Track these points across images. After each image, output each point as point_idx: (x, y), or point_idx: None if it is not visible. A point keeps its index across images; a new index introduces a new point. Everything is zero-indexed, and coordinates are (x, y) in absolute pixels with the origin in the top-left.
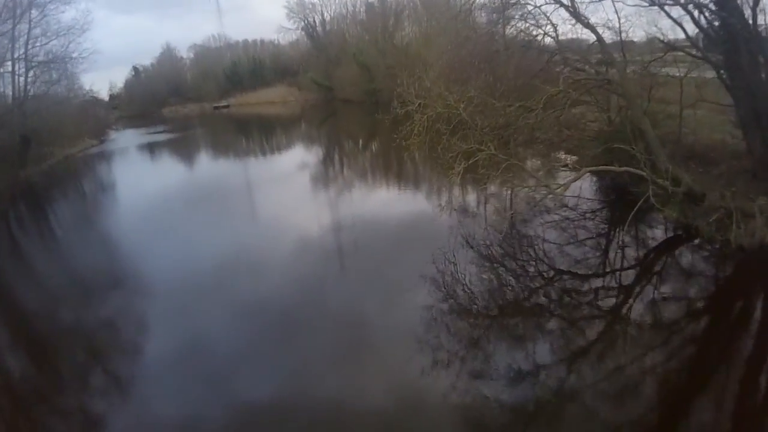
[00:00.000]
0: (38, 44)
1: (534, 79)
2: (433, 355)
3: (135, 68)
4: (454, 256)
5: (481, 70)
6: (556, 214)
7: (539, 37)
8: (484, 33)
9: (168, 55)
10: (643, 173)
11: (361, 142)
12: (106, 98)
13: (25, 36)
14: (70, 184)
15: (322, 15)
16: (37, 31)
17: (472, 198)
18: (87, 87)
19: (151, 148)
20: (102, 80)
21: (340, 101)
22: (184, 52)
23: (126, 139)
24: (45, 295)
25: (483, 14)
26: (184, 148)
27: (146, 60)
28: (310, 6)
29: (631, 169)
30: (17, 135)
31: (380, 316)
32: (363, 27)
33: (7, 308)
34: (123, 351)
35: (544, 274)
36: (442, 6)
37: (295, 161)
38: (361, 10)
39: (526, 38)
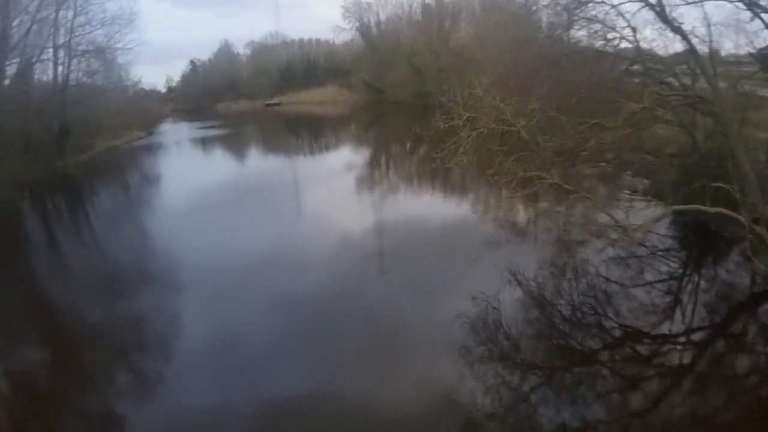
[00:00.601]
0: (81, 33)
1: (609, 91)
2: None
3: (192, 62)
4: (498, 288)
5: (544, 77)
6: (621, 246)
7: (615, 42)
8: (549, 34)
9: (225, 51)
10: (741, 218)
11: (408, 145)
12: (163, 90)
13: (69, 24)
14: (107, 175)
15: (378, 15)
16: (81, 19)
17: (521, 211)
18: (136, 78)
19: (199, 142)
20: (160, 72)
21: (390, 103)
22: (241, 49)
23: (175, 133)
24: (73, 287)
25: (547, 13)
26: (232, 144)
27: (204, 55)
28: (366, 6)
29: (727, 212)
30: (56, 124)
31: (415, 333)
32: (418, 28)
33: (45, 299)
34: (159, 342)
35: (602, 319)
36: (502, 6)
37: (341, 161)
38: (417, 11)
39: (600, 43)
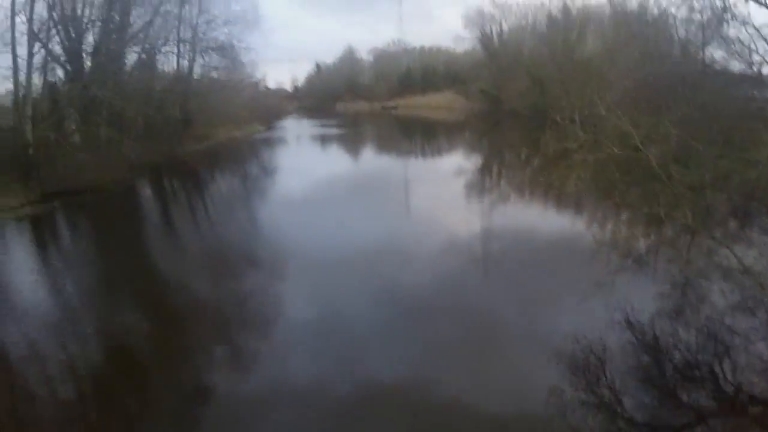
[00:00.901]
0: (205, 30)
1: (753, 120)
2: None
3: (318, 64)
4: (606, 325)
5: (679, 98)
6: (751, 294)
7: (759, 65)
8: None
9: (349, 56)
10: None
11: (523, 157)
12: (289, 89)
13: (193, 20)
14: (224, 163)
15: (500, 26)
16: (205, 16)
17: (641, 238)
18: (260, 76)
19: (316, 138)
20: (287, 71)
21: (506, 113)
22: (364, 54)
23: (295, 128)
24: (181, 265)
25: (684, 29)
26: (347, 142)
27: (329, 58)
28: (489, 16)
29: None
30: (178, 114)
31: (514, 343)
32: (541, 39)
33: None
34: (262, 321)
35: (718, 375)
36: (633, 19)
37: (452, 166)
38: (542, 22)
39: (741, 65)
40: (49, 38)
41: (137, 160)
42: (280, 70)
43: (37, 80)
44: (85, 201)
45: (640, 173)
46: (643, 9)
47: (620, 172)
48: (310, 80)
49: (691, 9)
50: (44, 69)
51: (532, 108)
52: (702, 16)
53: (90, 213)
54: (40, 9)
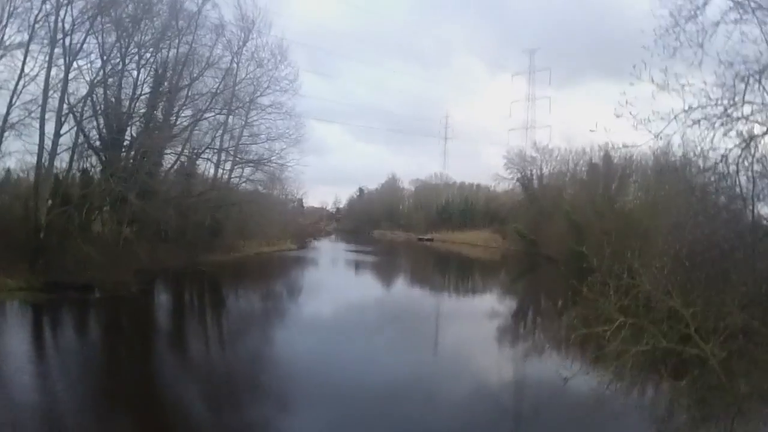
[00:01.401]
0: (247, 141)
1: None
2: None
3: (360, 189)
4: None
5: (743, 269)
6: None
7: None
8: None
9: (391, 183)
10: None
11: (559, 305)
12: (331, 209)
13: (236, 130)
14: (243, 278)
15: (541, 169)
16: (250, 129)
17: None
18: (299, 194)
19: (348, 263)
20: (333, 193)
21: (543, 257)
22: (406, 184)
23: (328, 250)
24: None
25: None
26: (379, 271)
27: (372, 184)
28: (530, 159)
29: None
30: (208, 221)
31: None
32: (581, 186)
33: None
34: None
35: None
36: (677, 174)
37: (484, 308)
38: (583, 169)
39: None
40: (82, 118)
41: (151, 264)
42: (325, 190)
43: (62, 163)
44: (83, 299)
45: (694, 369)
46: (686, 161)
47: (668, 368)
48: (352, 203)
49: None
50: (74, 151)
51: (570, 254)
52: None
53: (80, 314)
54: (75, 88)
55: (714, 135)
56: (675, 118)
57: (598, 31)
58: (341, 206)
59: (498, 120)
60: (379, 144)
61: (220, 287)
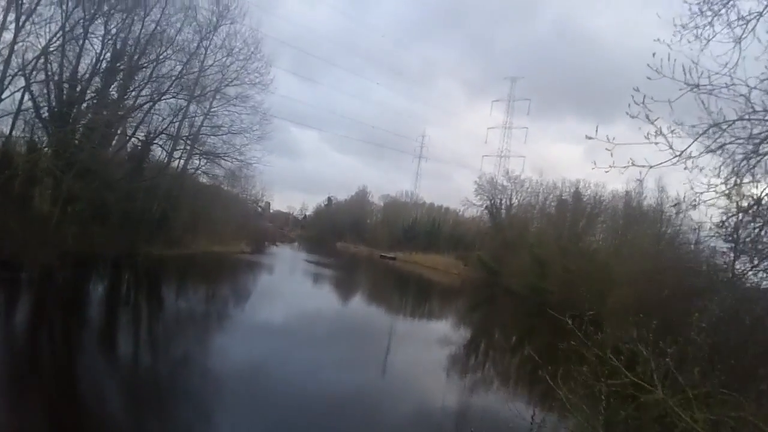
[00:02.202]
0: (205, 134)
1: None
2: None
3: (329, 198)
4: None
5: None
6: None
7: None
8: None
9: (361, 197)
10: None
11: (513, 340)
12: (300, 216)
13: (198, 119)
14: (182, 275)
15: (510, 199)
16: (212, 121)
17: None
18: (264, 196)
19: (297, 274)
20: (300, 200)
21: (503, 289)
22: (376, 199)
23: (283, 258)
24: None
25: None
26: (336, 286)
27: (342, 194)
28: (501, 188)
29: None
30: (155, 210)
31: None
32: (549, 220)
33: None
34: None
35: None
36: (645, 220)
37: (439, 333)
38: (552, 204)
39: None
40: (29, 83)
41: (80, 248)
42: (295, 196)
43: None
44: None
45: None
46: (658, 208)
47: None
48: (319, 212)
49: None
50: (17, 117)
51: (531, 289)
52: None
53: None
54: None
55: None
56: (650, 167)
57: (579, 69)
58: (308, 213)
59: (473, 145)
60: (354, 155)
61: (149, 281)
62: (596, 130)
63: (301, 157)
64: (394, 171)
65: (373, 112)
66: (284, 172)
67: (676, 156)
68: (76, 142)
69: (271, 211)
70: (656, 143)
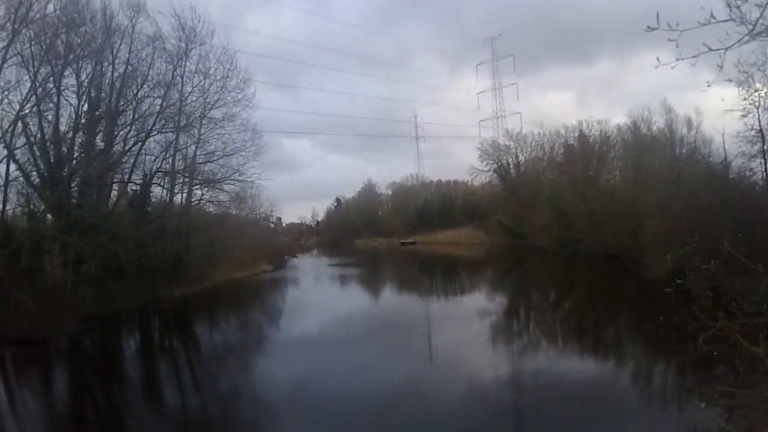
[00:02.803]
0: (201, 160)
1: None
2: None
3: (338, 199)
4: None
5: None
6: None
7: None
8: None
9: (368, 190)
10: None
11: (552, 297)
12: (312, 223)
13: (188, 150)
14: (210, 310)
15: (516, 157)
16: (204, 148)
17: None
18: (269, 211)
19: (326, 279)
20: (310, 208)
21: (530, 249)
22: (383, 189)
23: (306, 268)
24: None
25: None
26: (364, 282)
27: (349, 193)
28: (504, 148)
29: None
30: (167, 252)
31: None
32: (560, 170)
33: None
34: None
35: None
36: (657, 146)
37: (475, 307)
38: (560, 152)
39: None
40: (12, 150)
41: (98, 307)
42: (303, 206)
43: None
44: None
45: None
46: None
47: None
48: (330, 216)
49: None
50: (6, 187)
51: (559, 243)
52: None
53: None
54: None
55: None
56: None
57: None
58: (320, 219)
59: (467, 114)
60: (351, 153)
61: (179, 323)
62: (657, 18)
63: (300, 167)
64: (394, 159)
65: (360, 105)
66: (287, 186)
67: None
68: (74, 201)
69: (284, 225)
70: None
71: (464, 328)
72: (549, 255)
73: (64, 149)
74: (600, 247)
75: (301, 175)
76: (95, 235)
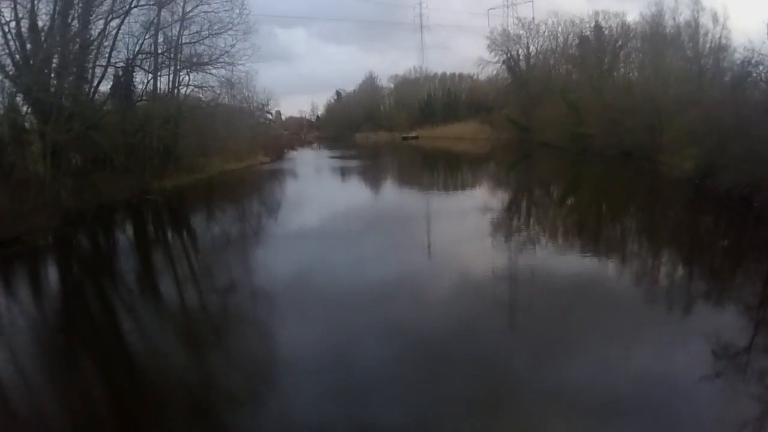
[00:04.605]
0: (188, 42)
1: None
2: None
3: (338, 92)
4: None
5: None
6: None
7: None
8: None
9: (369, 83)
10: None
11: (555, 193)
12: (312, 117)
13: (172, 33)
14: (202, 201)
15: (528, 48)
16: (190, 29)
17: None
18: (273, 104)
19: (325, 171)
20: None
21: (537, 144)
22: (385, 82)
23: (304, 161)
24: None
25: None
26: (362, 177)
27: (350, 86)
28: (516, 38)
29: None
30: (156, 141)
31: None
32: (573, 63)
33: None
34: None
35: None
36: (680, 40)
37: (476, 203)
38: (573, 44)
39: None
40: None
41: (79, 203)
42: (303, 99)
43: None
44: None
45: None
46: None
47: None
48: (330, 109)
49: None
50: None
51: (569, 138)
52: None
53: None
54: None
55: None
56: None
57: None
58: (320, 113)
59: (471, 4)
60: (350, 44)
61: (172, 215)
62: None
63: (297, 58)
64: (396, 51)
65: None
66: (284, 79)
67: None
68: (52, 90)
69: (283, 119)
70: None
71: (464, 223)
72: (558, 151)
73: (43, 36)
74: (615, 144)
75: (298, 67)
76: (73, 123)
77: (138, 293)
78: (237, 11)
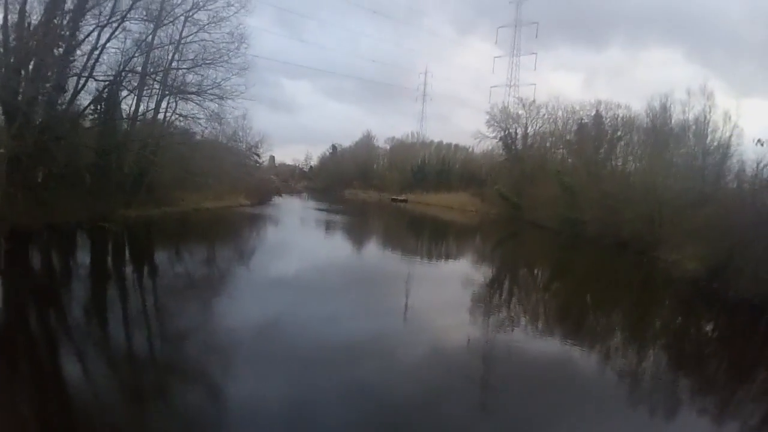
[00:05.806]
0: (179, 67)
1: None
2: None
3: (334, 146)
4: None
5: None
6: None
7: None
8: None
9: (366, 142)
10: None
11: (540, 276)
12: (305, 167)
13: (168, 50)
14: (168, 239)
15: (526, 128)
16: (188, 55)
17: None
18: (255, 144)
19: (305, 224)
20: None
21: (527, 222)
22: (382, 143)
23: (288, 209)
24: None
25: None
26: (346, 233)
27: (346, 142)
28: (515, 116)
29: None
30: (131, 167)
31: None
32: (570, 149)
33: None
34: None
35: None
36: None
37: (459, 274)
38: (572, 129)
39: None
40: None
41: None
42: (299, 150)
43: None
44: None
45: None
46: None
47: None
48: (324, 161)
49: None
50: None
51: (561, 220)
52: None
53: None
54: None
55: None
56: None
57: None
58: (314, 164)
59: (473, 80)
60: (352, 103)
61: (120, 249)
62: None
63: (299, 110)
64: (396, 115)
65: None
66: (284, 127)
67: None
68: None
69: (276, 165)
70: None
71: (442, 293)
72: (548, 232)
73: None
74: (610, 234)
75: (299, 117)
76: (37, 133)
77: (52, 335)
78: (236, 44)
